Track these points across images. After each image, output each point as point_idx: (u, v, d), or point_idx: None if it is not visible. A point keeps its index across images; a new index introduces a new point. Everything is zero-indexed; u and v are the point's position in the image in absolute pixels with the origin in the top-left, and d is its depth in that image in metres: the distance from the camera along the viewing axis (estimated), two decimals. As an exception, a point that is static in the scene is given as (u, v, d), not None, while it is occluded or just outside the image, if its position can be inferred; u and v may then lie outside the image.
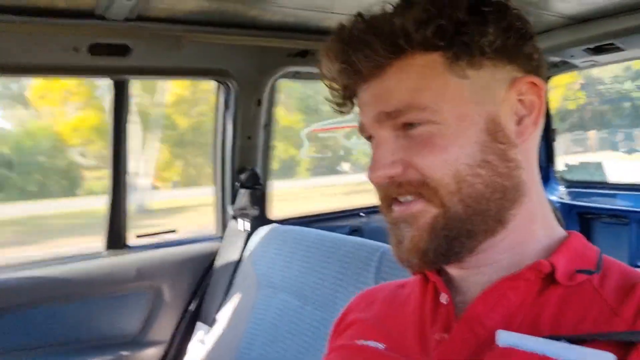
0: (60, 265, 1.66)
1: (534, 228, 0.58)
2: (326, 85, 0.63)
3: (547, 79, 2.28)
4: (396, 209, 0.58)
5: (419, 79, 0.55)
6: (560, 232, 0.61)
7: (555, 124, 2.44)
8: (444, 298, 0.60)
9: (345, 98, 0.63)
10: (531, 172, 0.58)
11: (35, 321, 1.58)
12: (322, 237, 1.52)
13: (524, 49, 0.57)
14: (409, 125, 0.56)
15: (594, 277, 0.54)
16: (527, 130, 0.57)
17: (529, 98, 0.57)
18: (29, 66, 1.36)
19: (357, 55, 0.56)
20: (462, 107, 0.54)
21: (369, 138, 0.61)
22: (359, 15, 0.57)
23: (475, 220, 0.55)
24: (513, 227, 0.57)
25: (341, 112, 0.65)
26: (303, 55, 1.72)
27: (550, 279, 0.54)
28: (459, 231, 0.55)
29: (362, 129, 0.61)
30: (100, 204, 1.79)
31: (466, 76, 0.55)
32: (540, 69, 0.59)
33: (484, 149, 0.54)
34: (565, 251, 0.56)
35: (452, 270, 0.61)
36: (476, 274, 0.59)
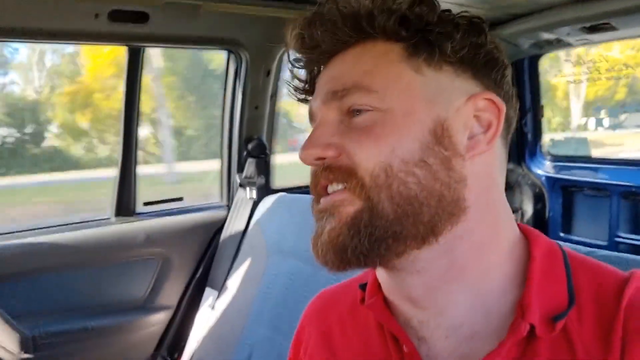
0: (70, 231, 1.67)
1: (486, 259, 0.53)
2: (289, 70, 0.61)
3: (539, 56, 2.35)
4: (322, 200, 0.54)
5: (374, 64, 0.53)
6: (519, 244, 0.55)
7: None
8: (406, 348, 0.55)
9: (307, 82, 0.61)
10: (480, 195, 0.53)
11: (46, 286, 1.60)
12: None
13: (492, 73, 0.55)
14: (355, 113, 0.53)
15: (572, 314, 0.50)
16: (478, 147, 0.53)
17: (486, 116, 0.53)
18: (51, 31, 1.35)
19: (320, 30, 0.54)
20: (410, 101, 0.51)
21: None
22: None
23: (405, 223, 0.50)
24: (454, 249, 0.52)
25: (300, 99, 0.63)
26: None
27: (528, 333, 0.50)
28: (385, 232, 0.50)
29: (311, 114, 0.58)
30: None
31: (422, 73, 0.52)
32: (508, 99, 0.56)
33: (425, 149, 0.51)
34: (535, 285, 0.51)
35: (408, 310, 0.56)
36: (436, 315, 0.54)
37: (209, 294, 1.78)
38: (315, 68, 0.59)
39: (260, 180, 1.86)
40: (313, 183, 0.55)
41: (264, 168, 1.90)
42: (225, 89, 1.84)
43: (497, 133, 0.54)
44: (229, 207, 1.91)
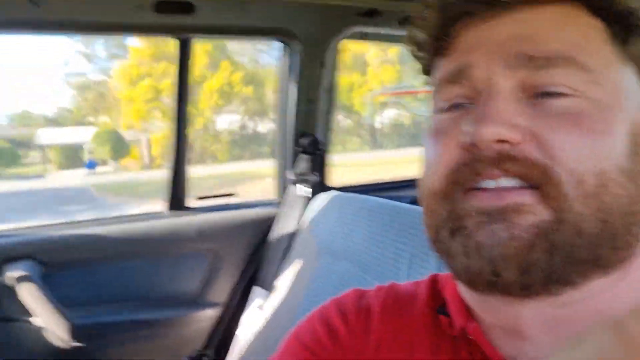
0: (125, 223, 1.69)
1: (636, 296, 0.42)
2: (419, 15, 0.46)
3: None
4: (485, 195, 0.39)
5: (584, 36, 0.40)
6: None
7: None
8: None
9: (443, 31, 0.44)
10: None
11: (98, 277, 1.63)
12: (383, 205, 1.47)
13: None
14: (547, 95, 0.39)
15: None
16: None
17: None
18: (93, 24, 1.36)
19: None
20: (617, 94, 0.40)
21: (457, 104, 0.43)
22: None
23: (606, 245, 0.38)
24: (619, 283, 0.41)
25: (420, 56, 0.48)
26: (371, 15, 1.63)
27: None
28: (587, 254, 0.38)
29: (464, 74, 0.42)
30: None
31: (624, 63, 0.41)
32: None
33: (632, 156, 0.39)
34: None
35: (513, 344, 0.43)
36: (553, 351, 0.41)
37: (257, 294, 1.73)
38: (466, 18, 0.43)
39: (314, 178, 1.78)
40: (470, 170, 0.40)
41: (318, 165, 1.82)
42: (279, 83, 1.78)
43: None
44: (280, 203, 1.85)
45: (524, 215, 0.38)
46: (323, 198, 1.69)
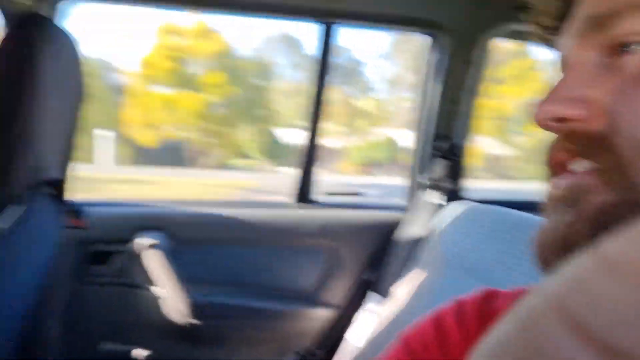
0: (252, 209, 1.70)
1: None
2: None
3: None
4: (556, 182, 0.36)
5: None
6: None
7: None
8: None
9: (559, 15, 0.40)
10: None
11: (220, 257, 1.65)
12: (527, 220, 1.29)
13: None
14: (625, 48, 0.33)
15: None
16: None
17: None
18: (226, 2, 1.37)
19: None
20: None
21: None
22: None
23: None
24: None
25: (546, 40, 0.43)
26: (524, 10, 1.47)
27: None
28: None
29: (562, 62, 0.39)
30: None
31: None
32: None
33: None
34: None
35: None
36: None
37: (372, 298, 1.64)
38: None
39: (447, 185, 1.64)
40: (550, 157, 0.37)
41: (454, 171, 1.68)
42: (420, 79, 1.67)
43: None
44: (408, 209, 1.74)
45: (590, 196, 0.33)
46: (456, 207, 1.55)
